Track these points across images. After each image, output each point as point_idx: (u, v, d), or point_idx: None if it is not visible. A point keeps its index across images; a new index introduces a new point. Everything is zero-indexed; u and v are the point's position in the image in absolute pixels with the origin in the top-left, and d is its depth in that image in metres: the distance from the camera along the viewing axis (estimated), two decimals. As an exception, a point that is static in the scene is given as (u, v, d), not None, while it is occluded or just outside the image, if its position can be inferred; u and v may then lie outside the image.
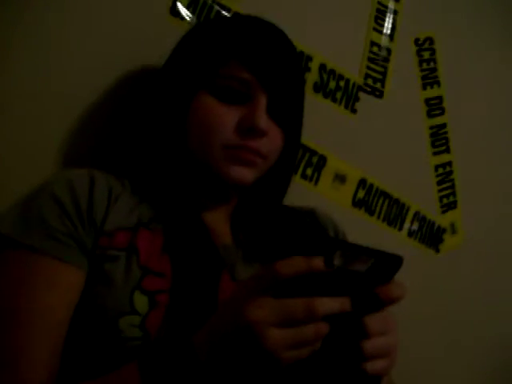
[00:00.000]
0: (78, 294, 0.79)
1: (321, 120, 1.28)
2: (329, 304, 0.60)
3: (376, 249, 0.62)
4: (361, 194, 1.40)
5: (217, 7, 1.16)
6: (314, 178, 1.33)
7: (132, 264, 0.80)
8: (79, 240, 0.79)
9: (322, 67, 1.32)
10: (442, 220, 1.56)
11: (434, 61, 1.51)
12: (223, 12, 1.16)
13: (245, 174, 0.89)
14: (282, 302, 0.60)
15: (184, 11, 1.12)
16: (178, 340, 0.66)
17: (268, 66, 0.87)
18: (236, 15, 1.13)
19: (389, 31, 1.42)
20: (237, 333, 0.62)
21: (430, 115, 1.52)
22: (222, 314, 0.66)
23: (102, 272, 0.79)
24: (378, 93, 1.41)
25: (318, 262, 0.60)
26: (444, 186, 1.55)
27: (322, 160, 1.33)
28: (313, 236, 0.98)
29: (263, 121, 0.86)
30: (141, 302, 0.77)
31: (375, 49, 1.41)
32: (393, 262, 0.63)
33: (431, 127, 1.52)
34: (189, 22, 1.12)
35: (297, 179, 1.26)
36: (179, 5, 1.12)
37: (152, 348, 0.73)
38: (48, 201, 0.80)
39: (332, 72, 1.33)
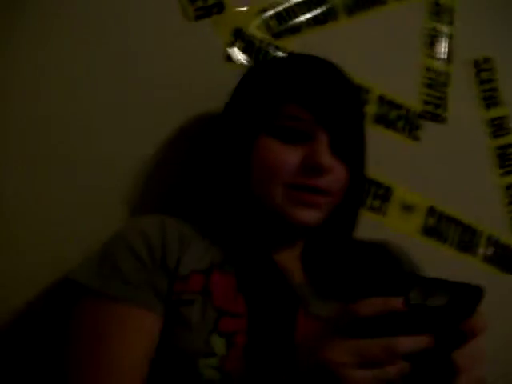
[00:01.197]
0: (155, 338, 0.80)
1: (384, 151, 1.27)
2: (409, 342, 0.59)
3: (454, 281, 0.61)
4: (431, 222, 1.37)
5: (272, 49, 1.18)
6: (382, 210, 1.31)
7: (207, 306, 0.80)
8: (155, 287, 0.81)
9: (381, 99, 1.31)
10: (517, 242, 1.51)
11: (495, 81, 1.48)
12: (278, 53, 1.18)
13: (310, 215, 0.88)
14: (362, 342, 0.60)
15: (240, 55, 1.14)
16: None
17: (327, 106, 0.87)
18: (291, 55, 1.14)
19: (445, 56, 1.41)
20: (317, 373, 0.61)
21: (495, 136, 1.49)
22: (301, 356, 0.66)
23: (178, 316, 0.80)
24: (439, 118, 1.39)
25: (397, 303, 0.59)
26: (516, 206, 1.51)
27: (389, 191, 1.32)
28: (388, 273, 0.96)
29: (327, 158, 0.86)
30: (219, 343, 0.77)
31: (432, 74, 1.39)
32: (473, 293, 0.61)
33: (497, 148, 1.49)
34: (245, 66, 1.13)
35: (364, 212, 1.25)
36: (234, 49, 1.14)
37: None
38: (123, 250, 0.82)
39: (391, 102, 1.33)
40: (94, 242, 0.87)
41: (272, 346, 0.78)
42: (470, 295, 0.61)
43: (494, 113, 1.48)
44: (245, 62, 1.15)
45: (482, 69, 1.47)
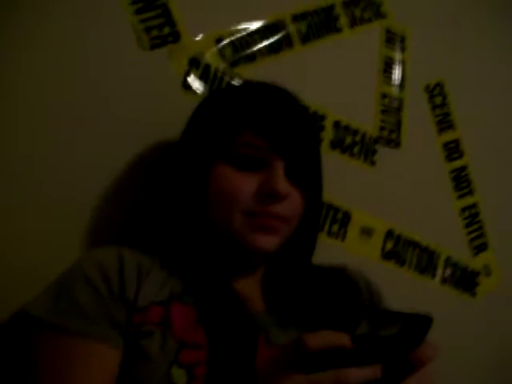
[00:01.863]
0: (115, 373, 0.78)
1: (341, 176, 1.28)
2: (357, 373, 0.60)
3: (405, 312, 0.62)
4: (389, 245, 1.39)
5: (227, 77, 1.18)
6: (341, 235, 1.32)
7: (167, 338, 0.79)
8: (113, 319, 0.79)
9: (337, 124, 1.33)
10: (475, 263, 1.53)
11: (447, 105, 1.52)
12: (234, 81, 1.19)
13: (268, 241, 0.88)
14: (312, 376, 0.60)
15: (196, 84, 1.15)
16: None
17: (281, 133, 0.88)
18: (246, 83, 1.15)
19: (398, 82, 1.44)
20: None
21: (449, 159, 1.52)
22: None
23: (138, 348, 0.78)
24: (394, 143, 1.42)
25: (345, 340, 0.61)
26: (472, 228, 1.54)
27: (347, 216, 1.33)
28: (343, 302, 0.97)
29: (282, 185, 0.86)
30: (179, 376, 0.76)
31: (387, 100, 1.42)
32: (422, 323, 0.62)
33: (452, 171, 1.52)
34: (201, 94, 1.14)
35: (323, 237, 1.25)
36: (190, 78, 1.14)
37: None
38: (79, 282, 0.81)
39: (347, 128, 1.35)
40: (52, 273, 0.85)
41: (232, 376, 0.77)
42: (419, 324, 0.62)
43: (447, 136, 1.52)
44: (201, 90, 1.15)
45: (435, 94, 1.51)
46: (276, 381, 0.62)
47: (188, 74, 1.14)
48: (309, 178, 0.93)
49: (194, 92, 1.15)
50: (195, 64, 1.15)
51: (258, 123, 0.88)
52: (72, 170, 1.03)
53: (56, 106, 1.03)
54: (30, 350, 0.80)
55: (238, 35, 1.21)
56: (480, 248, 1.54)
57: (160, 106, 1.11)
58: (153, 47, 1.11)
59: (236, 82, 1.19)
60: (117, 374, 0.78)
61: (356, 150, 1.35)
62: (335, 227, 1.31)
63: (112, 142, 1.07)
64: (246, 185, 0.87)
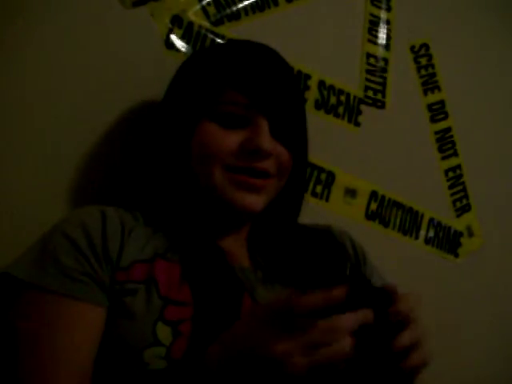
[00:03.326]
0: (100, 331, 0.79)
1: (325, 136, 1.28)
2: (350, 318, 0.61)
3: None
4: (373, 206, 1.39)
5: (211, 35, 1.16)
6: (325, 195, 1.32)
7: (152, 296, 0.79)
8: (96, 277, 0.79)
9: (322, 84, 1.32)
10: (458, 224, 1.54)
11: (432, 66, 1.51)
12: (217, 40, 1.17)
13: (253, 200, 0.88)
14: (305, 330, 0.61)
15: (179, 43, 1.13)
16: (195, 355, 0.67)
17: (262, 90, 0.88)
18: (229, 41, 1.14)
19: (384, 41, 1.43)
20: (260, 362, 0.62)
21: (433, 120, 1.52)
22: (241, 337, 0.66)
23: (122, 306, 0.79)
24: (379, 104, 1.41)
25: (338, 292, 0.61)
26: (456, 189, 1.54)
27: (331, 176, 1.33)
28: (330, 259, 0.98)
29: (267, 141, 0.86)
30: (164, 332, 0.77)
31: (372, 60, 1.41)
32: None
33: (436, 132, 1.52)
34: (185, 53, 1.13)
35: (307, 197, 1.25)
36: (173, 37, 1.12)
37: (172, 377, 0.73)
38: (62, 241, 0.80)
39: (332, 88, 1.34)
40: (34, 234, 0.85)
41: (217, 332, 0.77)
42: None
43: (433, 98, 1.51)
44: (184, 48, 1.13)
45: (420, 54, 1.50)
46: (264, 339, 0.62)
47: (170, 33, 1.13)
48: (294, 137, 0.93)
49: (177, 50, 1.13)
50: (178, 22, 1.13)
51: (240, 81, 0.88)
52: (56, 129, 1.03)
53: (42, 65, 1.01)
54: (13, 312, 0.79)
55: (222, -7, 1.19)
56: (463, 209, 1.55)
57: (143, 65, 1.10)
58: (135, 4, 1.09)
59: (220, 41, 1.17)
60: (101, 331, 0.79)
61: (341, 110, 1.35)
62: (319, 188, 1.31)
63: (95, 100, 1.06)
64: (228, 140, 0.87)
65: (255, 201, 0.88)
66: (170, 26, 1.13)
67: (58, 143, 1.03)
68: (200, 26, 1.15)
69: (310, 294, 0.61)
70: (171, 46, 1.13)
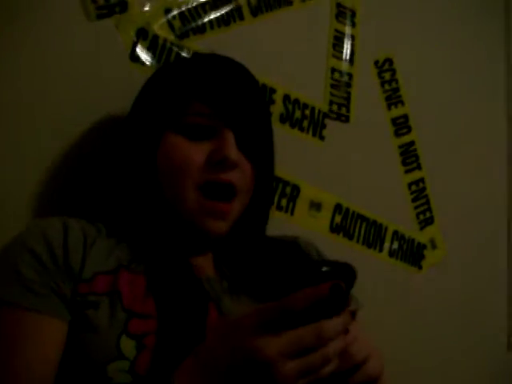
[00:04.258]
0: (61, 345, 0.77)
1: (290, 150, 1.28)
2: (335, 324, 0.61)
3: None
4: (338, 219, 1.40)
5: (176, 49, 1.16)
6: (290, 209, 1.32)
7: (116, 308, 0.78)
8: (58, 290, 0.78)
9: (287, 98, 1.33)
10: (421, 236, 1.56)
11: (396, 81, 1.53)
12: (183, 53, 1.17)
13: (220, 227, 0.89)
14: (294, 333, 0.60)
15: (144, 56, 1.13)
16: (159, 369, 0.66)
17: (228, 101, 0.88)
18: (195, 54, 1.14)
19: (348, 56, 1.45)
20: (247, 369, 0.61)
21: (397, 134, 1.54)
22: (217, 352, 0.64)
23: (85, 319, 0.77)
24: (343, 118, 1.43)
25: (323, 289, 0.60)
26: (419, 202, 1.56)
27: (296, 189, 1.33)
28: (299, 265, 0.98)
29: (233, 152, 0.86)
30: (128, 346, 0.76)
31: (337, 75, 1.42)
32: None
33: (400, 146, 1.54)
34: (149, 67, 1.12)
35: (272, 211, 1.26)
36: (138, 50, 1.12)
37: None
38: (23, 253, 0.79)
39: (296, 102, 1.35)
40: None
41: (181, 345, 0.77)
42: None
43: (396, 112, 1.53)
44: (149, 61, 1.13)
45: (384, 69, 1.52)
46: (254, 342, 0.61)
47: (136, 45, 1.12)
48: (259, 150, 0.93)
49: (143, 63, 1.13)
50: (143, 35, 1.13)
51: (205, 92, 0.88)
52: (17, 139, 1.02)
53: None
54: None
55: (188, 6, 1.20)
56: (426, 222, 1.57)
57: (108, 78, 1.10)
58: (99, 17, 1.09)
59: (185, 54, 1.17)
60: (63, 345, 0.77)
61: (305, 124, 1.36)
62: (284, 201, 1.31)
63: (60, 111, 1.06)
64: (196, 154, 0.87)
65: (221, 227, 0.89)
66: (135, 38, 1.12)
67: (20, 154, 1.02)
68: (165, 39, 1.15)
69: (297, 293, 0.61)
70: (136, 58, 1.13)
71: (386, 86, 1.52)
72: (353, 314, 0.65)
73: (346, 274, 0.64)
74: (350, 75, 1.45)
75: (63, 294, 0.78)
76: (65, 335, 0.78)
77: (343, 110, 1.42)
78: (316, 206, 1.37)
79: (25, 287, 0.77)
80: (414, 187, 1.55)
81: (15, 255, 0.79)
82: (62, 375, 0.77)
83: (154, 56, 1.14)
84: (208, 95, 0.88)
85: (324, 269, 0.63)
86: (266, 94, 1.28)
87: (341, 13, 1.45)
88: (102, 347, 0.75)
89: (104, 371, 0.74)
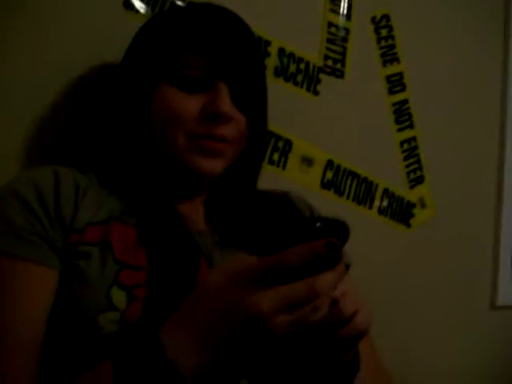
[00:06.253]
0: (52, 293, 0.78)
1: (284, 104, 1.27)
2: (329, 278, 0.61)
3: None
4: (329, 175, 1.40)
5: (171, -2, 1.15)
6: (282, 163, 1.33)
7: (107, 259, 0.79)
8: (48, 239, 0.78)
9: (281, 51, 1.32)
10: (411, 195, 1.57)
11: (393, 38, 1.52)
12: (177, 2, 1.15)
13: (213, 165, 0.88)
14: (289, 288, 0.61)
15: (138, 3, 1.11)
16: (148, 336, 0.66)
17: (222, 54, 0.87)
18: (190, 4, 1.12)
19: (345, 11, 1.42)
20: (240, 322, 0.61)
21: (391, 92, 1.53)
22: (211, 304, 0.64)
23: (76, 270, 0.78)
24: (338, 73, 1.41)
25: (319, 245, 0.61)
26: (410, 161, 1.57)
27: (288, 144, 1.33)
28: (289, 220, 0.98)
29: (227, 105, 0.86)
30: (119, 297, 0.76)
31: (333, 29, 1.41)
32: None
33: (394, 104, 1.53)
34: (143, 15, 1.11)
35: (264, 165, 1.26)
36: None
37: (125, 342, 0.71)
38: (13, 202, 0.79)
39: (291, 55, 1.33)
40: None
41: (172, 297, 0.77)
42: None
43: (391, 69, 1.52)
44: (143, 9, 1.12)
45: (381, 26, 1.50)
46: (250, 298, 0.61)
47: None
48: (253, 103, 0.93)
49: (136, 11, 1.11)
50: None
51: (199, 43, 0.86)
52: (10, 88, 1.01)
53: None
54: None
55: (184, -47, 1.17)
56: (417, 181, 1.58)
57: (101, 26, 1.08)
58: (93, -38, 1.07)
59: (180, 3, 1.15)
60: (54, 294, 0.78)
61: (300, 78, 1.35)
62: (276, 155, 1.31)
63: (51, 61, 1.04)
64: (189, 105, 0.86)
65: (214, 165, 0.88)
66: (129, -15, 1.10)
67: (12, 103, 1.01)
68: (160, -13, 1.13)
69: (293, 249, 0.61)
70: (130, 6, 1.11)
71: (383, 43, 1.50)
72: (346, 268, 0.66)
73: (339, 230, 0.64)
74: (347, 30, 1.43)
75: (54, 242, 0.79)
76: (56, 283, 0.78)
77: (338, 66, 1.41)
78: (308, 161, 1.37)
79: (17, 236, 0.77)
80: (405, 146, 1.55)
81: (6, 204, 0.79)
82: (52, 324, 0.78)
83: (148, 4, 1.12)
84: (201, 47, 0.86)
85: (318, 225, 0.63)
86: (261, 46, 1.27)
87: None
88: (93, 298, 0.76)
89: (95, 322, 0.74)
